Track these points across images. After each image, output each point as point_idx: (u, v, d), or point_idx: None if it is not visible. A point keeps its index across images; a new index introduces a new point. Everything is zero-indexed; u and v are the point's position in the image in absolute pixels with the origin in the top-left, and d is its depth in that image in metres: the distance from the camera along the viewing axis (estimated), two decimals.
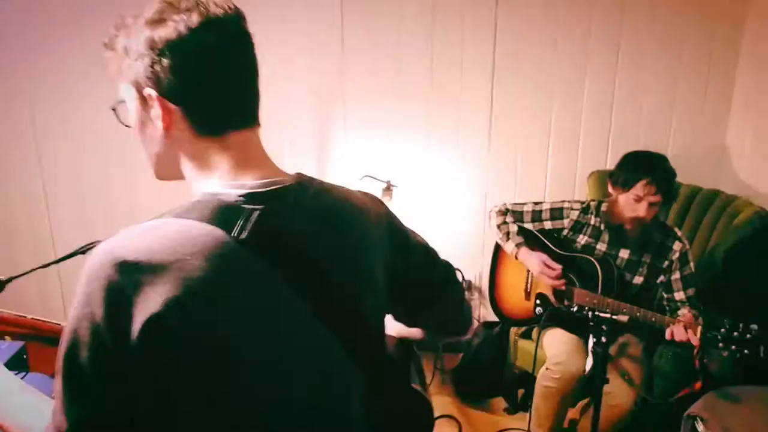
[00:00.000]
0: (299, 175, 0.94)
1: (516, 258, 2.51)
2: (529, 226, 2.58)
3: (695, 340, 2.04)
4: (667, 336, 2.12)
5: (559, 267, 2.40)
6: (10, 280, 1.05)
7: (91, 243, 0.95)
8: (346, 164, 3.21)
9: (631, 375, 2.27)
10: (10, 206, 3.31)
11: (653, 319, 2.17)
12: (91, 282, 0.77)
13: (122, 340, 0.76)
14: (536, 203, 2.58)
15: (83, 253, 0.96)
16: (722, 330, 1.95)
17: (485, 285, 2.94)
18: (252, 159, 0.92)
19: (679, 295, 2.37)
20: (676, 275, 2.38)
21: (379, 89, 3.13)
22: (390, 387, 1.02)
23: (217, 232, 0.81)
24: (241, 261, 0.82)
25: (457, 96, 3.14)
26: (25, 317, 1.16)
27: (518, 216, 2.58)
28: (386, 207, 1.06)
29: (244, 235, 0.82)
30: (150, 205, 3.21)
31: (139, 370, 0.77)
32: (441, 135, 3.20)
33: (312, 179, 0.95)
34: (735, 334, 1.93)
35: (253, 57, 0.92)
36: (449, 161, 3.23)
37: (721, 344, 1.96)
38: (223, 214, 0.83)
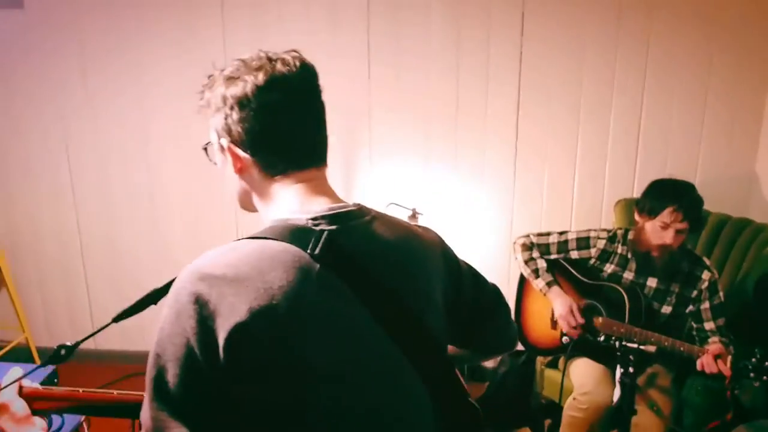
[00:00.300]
0: (358, 204, 1.01)
1: (544, 295, 2.51)
2: (554, 257, 2.57)
3: (726, 370, 2.00)
4: (698, 367, 2.09)
5: (582, 320, 2.41)
6: (76, 345, 1.07)
7: (158, 290, 0.99)
8: (372, 191, 3.25)
9: (659, 406, 2.23)
10: (38, 205, 3.43)
11: (682, 348, 2.14)
12: (180, 298, 0.83)
13: (211, 350, 0.81)
14: (561, 233, 2.56)
15: (155, 302, 1.01)
16: (753, 359, 1.92)
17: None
18: (318, 190, 0.99)
19: (709, 325, 2.33)
20: (706, 305, 2.34)
21: (404, 116, 3.17)
22: (455, 401, 1.06)
23: (293, 248, 0.88)
24: (317, 275, 0.88)
25: (483, 121, 3.15)
26: (77, 391, 1.16)
27: (544, 249, 2.56)
28: (438, 236, 1.12)
29: (317, 251, 0.88)
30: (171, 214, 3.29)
31: (224, 381, 0.81)
32: (466, 161, 3.21)
33: (370, 209, 1.02)
34: (766, 363, 1.89)
35: (319, 108, 1.00)
36: (475, 188, 3.24)
37: (752, 374, 1.93)
38: (295, 235, 0.90)
